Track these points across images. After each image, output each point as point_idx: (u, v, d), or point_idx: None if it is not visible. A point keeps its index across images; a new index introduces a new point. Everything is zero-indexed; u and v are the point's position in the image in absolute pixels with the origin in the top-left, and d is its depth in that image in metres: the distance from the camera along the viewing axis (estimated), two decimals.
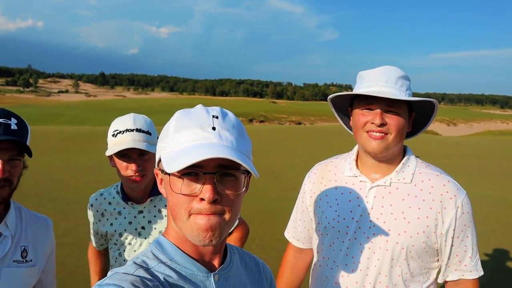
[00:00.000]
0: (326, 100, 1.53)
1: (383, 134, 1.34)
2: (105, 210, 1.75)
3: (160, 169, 0.87)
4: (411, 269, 1.38)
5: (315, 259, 1.59)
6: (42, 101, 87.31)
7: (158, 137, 1.69)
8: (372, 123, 1.34)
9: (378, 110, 1.33)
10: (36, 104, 72.60)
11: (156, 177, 0.90)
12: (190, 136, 0.80)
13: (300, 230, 1.66)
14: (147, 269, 0.82)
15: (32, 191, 6.70)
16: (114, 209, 1.73)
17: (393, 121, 1.33)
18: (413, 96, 1.39)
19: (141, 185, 1.62)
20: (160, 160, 0.85)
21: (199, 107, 0.86)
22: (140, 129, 1.58)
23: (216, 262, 0.90)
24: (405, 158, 1.43)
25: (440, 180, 1.39)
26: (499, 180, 10.31)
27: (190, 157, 0.76)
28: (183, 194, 0.80)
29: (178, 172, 0.78)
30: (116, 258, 1.74)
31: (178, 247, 0.87)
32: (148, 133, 1.60)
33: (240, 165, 0.80)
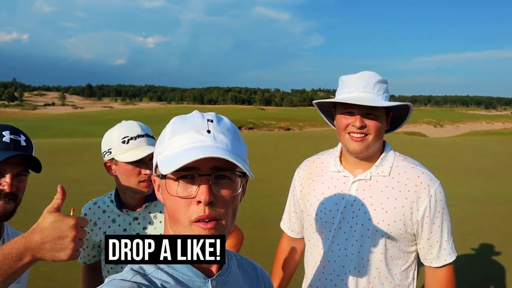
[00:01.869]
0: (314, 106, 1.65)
1: (364, 135, 1.48)
2: (99, 218, 1.73)
3: (157, 175, 0.87)
4: (391, 253, 1.52)
5: (306, 247, 1.74)
6: (28, 115, 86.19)
7: None
8: (353, 125, 1.47)
9: (358, 115, 1.46)
10: (22, 117, 71.66)
11: (154, 184, 0.91)
12: (186, 139, 0.81)
13: (294, 221, 1.81)
14: (144, 275, 0.82)
15: None
16: (108, 217, 1.71)
17: (372, 123, 1.47)
18: (391, 97, 1.55)
19: (150, 190, 1.63)
20: (157, 166, 0.86)
21: (195, 112, 0.87)
22: (149, 134, 1.63)
23: (214, 268, 0.90)
24: (383, 153, 1.57)
25: (415, 172, 1.53)
26: (486, 179, 10.46)
27: (185, 158, 0.77)
28: (180, 197, 0.80)
29: (174, 175, 0.80)
30: (111, 268, 1.71)
31: None
32: (154, 138, 1.62)
33: (235, 167, 0.81)
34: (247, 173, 0.81)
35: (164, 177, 0.82)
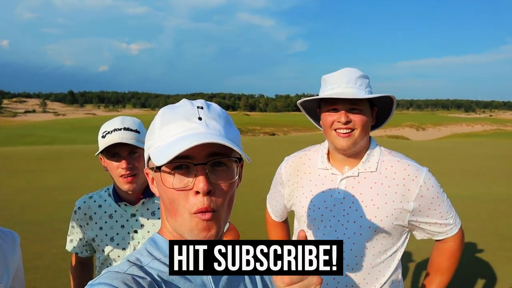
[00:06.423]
0: (299, 111, 1.63)
1: (350, 130, 1.46)
2: (95, 213, 1.68)
3: (150, 168, 0.84)
4: (384, 248, 1.52)
5: None
6: (7, 122, 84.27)
7: None
8: (339, 121, 1.46)
9: (343, 111, 1.45)
10: (1, 125, 70.04)
11: (147, 177, 0.87)
12: (177, 128, 0.78)
13: (277, 209, 1.83)
14: (141, 267, 0.79)
15: None
16: (105, 212, 1.67)
17: (357, 118, 1.45)
18: (374, 93, 1.51)
19: (135, 185, 1.58)
20: (149, 159, 0.83)
21: (183, 101, 0.84)
22: (128, 128, 1.56)
23: None
24: (369, 149, 1.56)
25: (401, 165, 1.52)
26: (470, 180, 10.65)
27: (178, 147, 0.73)
28: (176, 189, 0.77)
29: (168, 167, 0.77)
30: (102, 264, 1.64)
31: None
32: (136, 131, 1.58)
33: (231, 152, 0.78)
34: (244, 156, 0.78)
35: (158, 169, 0.78)
